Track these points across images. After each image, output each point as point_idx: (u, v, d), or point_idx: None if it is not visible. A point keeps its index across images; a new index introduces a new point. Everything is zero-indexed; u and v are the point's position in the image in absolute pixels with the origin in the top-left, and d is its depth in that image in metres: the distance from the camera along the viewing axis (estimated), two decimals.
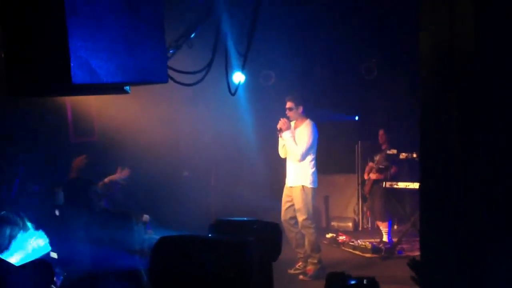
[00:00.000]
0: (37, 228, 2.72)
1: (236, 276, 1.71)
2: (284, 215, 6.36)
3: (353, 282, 1.77)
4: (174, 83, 3.08)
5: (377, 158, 8.01)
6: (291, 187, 6.36)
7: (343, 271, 1.86)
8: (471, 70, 2.17)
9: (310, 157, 6.30)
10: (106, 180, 5.36)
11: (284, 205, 6.38)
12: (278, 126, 6.29)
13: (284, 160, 6.55)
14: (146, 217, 5.38)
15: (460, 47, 2.19)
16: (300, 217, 6.20)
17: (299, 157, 6.22)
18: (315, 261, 6.20)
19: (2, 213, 2.67)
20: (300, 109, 6.34)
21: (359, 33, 8.07)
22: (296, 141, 6.24)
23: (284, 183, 6.53)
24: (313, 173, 6.29)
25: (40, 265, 2.39)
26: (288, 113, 6.36)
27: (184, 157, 8.52)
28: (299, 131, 6.31)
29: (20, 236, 2.68)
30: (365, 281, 1.75)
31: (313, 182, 6.29)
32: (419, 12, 2.33)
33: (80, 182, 4.04)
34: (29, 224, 2.71)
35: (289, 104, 6.36)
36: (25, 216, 2.72)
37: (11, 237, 2.63)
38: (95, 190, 3.89)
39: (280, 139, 6.35)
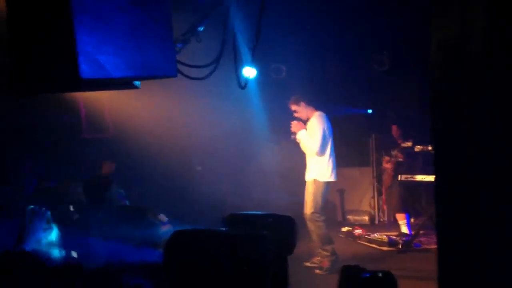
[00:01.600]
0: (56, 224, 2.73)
1: (252, 270, 1.69)
2: (304, 209, 6.35)
3: (367, 275, 1.74)
4: (185, 78, 3.07)
5: (394, 153, 7.96)
6: (306, 181, 6.34)
7: (357, 264, 1.83)
8: (481, 70, 2.14)
9: (327, 150, 6.25)
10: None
11: (305, 200, 6.38)
12: (292, 130, 6.29)
13: (299, 154, 6.52)
14: (162, 216, 5.40)
15: (471, 46, 2.16)
16: (308, 210, 6.18)
17: (316, 151, 6.19)
18: (328, 253, 6.16)
19: (31, 207, 2.68)
20: (302, 104, 6.31)
21: (371, 26, 7.99)
22: (309, 136, 6.21)
23: (300, 178, 6.51)
24: (327, 166, 6.23)
25: (70, 268, 2.39)
26: (296, 115, 6.36)
27: (197, 152, 8.54)
28: (309, 126, 6.29)
29: (47, 231, 2.69)
30: (380, 274, 1.72)
31: (327, 175, 6.23)
32: (430, 10, 2.30)
33: (101, 179, 4.06)
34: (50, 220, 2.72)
35: (292, 108, 6.36)
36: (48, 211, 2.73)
37: (44, 230, 2.65)
38: (115, 188, 3.91)
39: (297, 140, 6.35)
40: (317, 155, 6.20)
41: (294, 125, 6.29)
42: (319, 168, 6.22)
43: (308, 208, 6.18)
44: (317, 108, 6.37)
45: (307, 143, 6.22)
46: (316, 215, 6.16)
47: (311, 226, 6.20)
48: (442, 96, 2.29)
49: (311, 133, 6.23)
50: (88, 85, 2.16)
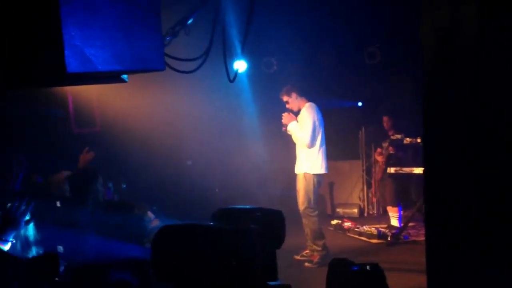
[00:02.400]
0: (38, 220, 2.71)
1: (239, 264, 1.69)
2: (298, 203, 6.35)
3: (356, 268, 1.75)
4: (174, 72, 3.05)
5: (385, 144, 7.99)
6: (297, 174, 6.34)
7: (345, 258, 1.84)
8: (474, 57, 2.13)
9: (317, 141, 6.25)
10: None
11: (297, 193, 6.37)
12: (283, 122, 6.28)
13: (290, 148, 6.52)
14: (149, 213, 5.36)
15: (463, 31, 2.15)
16: (301, 206, 6.18)
17: (307, 143, 6.17)
18: (319, 248, 6.19)
19: (15, 202, 2.66)
20: (294, 95, 6.29)
21: (362, 18, 7.99)
22: (300, 127, 6.20)
23: (290, 172, 6.51)
24: (317, 158, 6.22)
25: (47, 258, 2.38)
26: (288, 106, 6.34)
27: (186, 146, 8.52)
28: (299, 117, 6.28)
29: (29, 227, 2.68)
30: (368, 267, 1.72)
31: (317, 168, 6.22)
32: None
33: (87, 173, 4.01)
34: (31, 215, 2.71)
35: (284, 99, 6.34)
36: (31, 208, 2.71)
37: (24, 228, 2.64)
38: (101, 181, 3.87)
39: (288, 132, 6.33)
40: (308, 146, 6.19)
41: (285, 116, 6.27)
42: (310, 161, 6.20)
43: (301, 203, 6.18)
44: (307, 98, 6.36)
45: (298, 134, 6.21)
46: (309, 210, 6.16)
47: (305, 221, 6.20)
48: (433, 85, 2.29)
49: (302, 124, 6.21)
50: (75, 79, 2.13)
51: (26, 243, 2.66)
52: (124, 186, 7.00)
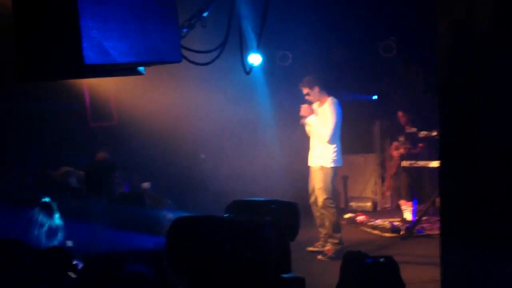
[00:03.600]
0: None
1: (254, 256, 1.69)
2: (310, 195, 6.35)
3: (370, 261, 1.75)
4: (190, 64, 3.06)
5: (401, 139, 7.95)
6: (311, 167, 6.33)
7: (359, 250, 1.84)
8: (489, 51, 2.11)
9: (336, 137, 6.23)
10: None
11: (309, 186, 6.37)
12: (301, 114, 6.25)
13: (304, 141, 6.50)
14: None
15: (479, 25, 2.13)
16: (321, 197, 6.17)
17: (327, 139, 6.17)
18: (336, 241, 6.19)
19: (45, 200, 2.70)
20: (316, 89, 6.25)
21: (378, 11, 7.92)
22: (320, 122, 6.17)
23: (304, 165, 6.50)
24: (334, 152, 6.20)
25: (58, 251, 2.41)
26: (307, 98, 6.30)
27: (200, 140, 8.54)
28: (321, 111, 6.25)
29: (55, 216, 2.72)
30: (382, 260, 1.72)
31: (334, 161, 6.20)
32: None
33: (103, 166, 4.03)
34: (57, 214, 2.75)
35: (304, 90, 6.27)
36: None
37: (50, 225, 2.68)
38: (117, 175, 3.89)
39: (305, 125, 6.32)
40: (328, 142, 6.18)
41: (304, 108, 6.25)
42: (327, 154, 6.19)
43: (321, 195, 6.16)
44: (328, 93, 6.32)
45: (319, 130, 6.19)
46: (330, 201, 6.16)
47: (325, 212, 6.19)
48: (449, 79, 2.27)
49: (324, 120, 6.18)
50: (92, 72, 2.15)
51: (51, 232, 2.69)
52: (139, 178, 7.04)
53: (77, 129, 7.61)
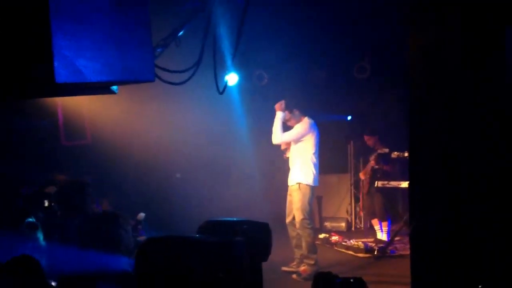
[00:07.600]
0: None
1: (225, 276, 1.68)
2: (287, 215, 6.34)
3: (339, 281, 1.76)
4: (164, 84, 3.06)
5: (372, 158, 8.03)
6: (290, 186, 6.35)
7: (330, 271, 1.85)
8: (459, 73, 2.18)
9: (309, 155, 6.26)
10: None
11: (287, 206, 6.37)
12: (275, 107, 6.34)
13: (280, 161, 6.53)
14: (141, 215, 5.33)
15: (447, 49, 2.20)
16: (298, 217, 6.15)
17: (275, 139, 6.29)
18: (312, 262, 6.16)
19: (30, 220, 2.67)
20: (296, 112, 6.35)
21: (352, 33, 8.07)
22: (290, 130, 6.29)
23: (279, 184, 6.52)
24: (312, 171, 6.24)
25: (24, 261, 2.36)
26: (288, 124, 6.38)
27: (176, 159, 8.49)
28: (296, 126, 6.34)
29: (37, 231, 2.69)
30: (351, 281, 1.74)
31: (311, 180, 6.23)
32: (408, 17, 2.34)
33: (75, 183, 3.95)
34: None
35: (286, 116, 6.35)
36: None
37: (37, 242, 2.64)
38: (89, 194, 3.82)
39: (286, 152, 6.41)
40: (273, 142, 6.32)
41: (279, 104, 6.32)
42: (304, 171, 6.23)
43: (298, 215, 6.15)
44: (305, 113, 6.40)
45: (276, 127, 6.27)
46: (307, 221, 6.15)
47: (301, 232, 6.18)
48: (420, 101, 2.33)
49: (293, 129, 6.28)
50: (64, 90, 2.14)
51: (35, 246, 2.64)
52: (113, 198, 6.94)
53: (48, 147, 7.48)
